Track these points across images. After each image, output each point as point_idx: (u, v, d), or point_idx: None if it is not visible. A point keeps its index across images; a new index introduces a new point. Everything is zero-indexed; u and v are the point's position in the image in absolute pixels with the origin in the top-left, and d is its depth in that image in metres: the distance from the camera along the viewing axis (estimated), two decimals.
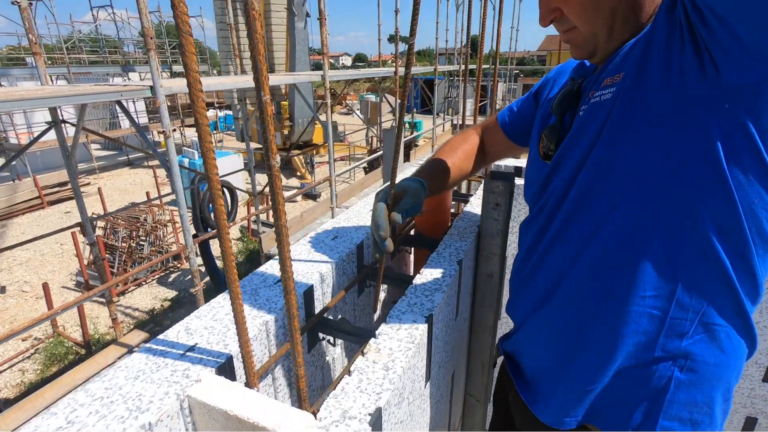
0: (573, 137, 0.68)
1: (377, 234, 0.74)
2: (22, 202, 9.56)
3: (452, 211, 1.39)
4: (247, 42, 0.41)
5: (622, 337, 0.62)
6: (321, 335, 0.83)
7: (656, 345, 0.61)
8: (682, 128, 0.53)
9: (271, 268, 0.88)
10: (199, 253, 6.04)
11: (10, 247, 3.74)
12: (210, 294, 6.27)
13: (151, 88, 2.58)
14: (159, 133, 2.57)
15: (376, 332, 0.68)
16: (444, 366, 0.92)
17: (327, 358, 0.93)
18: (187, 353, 0.63)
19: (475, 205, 1.28)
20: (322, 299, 0.87)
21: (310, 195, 10.06)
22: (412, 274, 1.34)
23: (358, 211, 1.21)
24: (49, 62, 15.30)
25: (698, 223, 0.55)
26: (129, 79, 13.24)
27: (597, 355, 0.65)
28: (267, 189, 7.93)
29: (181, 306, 6.19)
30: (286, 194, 9.99)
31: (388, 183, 0.76)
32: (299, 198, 9.82)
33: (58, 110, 2.88)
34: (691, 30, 0.50)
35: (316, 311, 0.84)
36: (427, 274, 0.87)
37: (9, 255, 7.34)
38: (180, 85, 2.96)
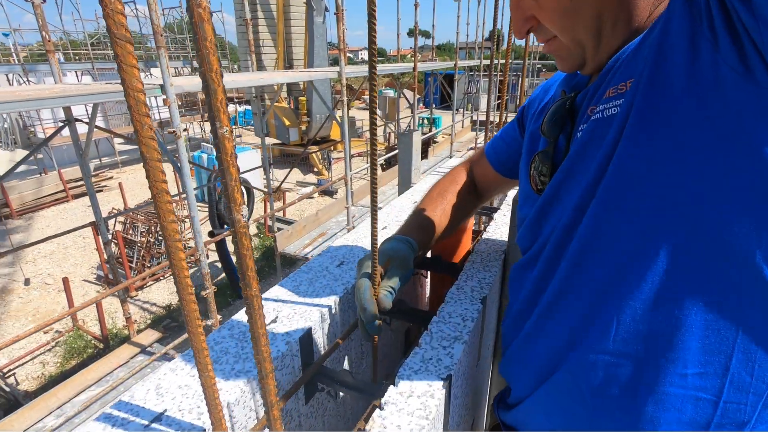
0: (572, 164, 0.54)
1: (364, 316, 0.63)
2: (47, 195, 9.83)
3: (474, 226, 1.26)
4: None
5: (659, 427, 0.48)
6: (320, 386, 0.72)
7: None
8: (725, 143, 0.40)
9: (266, 306, 0.76)
10: (214, 251, 6.05)
11: (31, 243, 3.79)
12: (225, 290, 6.29)
13: (161, 86, 2.52)
14: (169, 132, 2.51)
15: (382, 401, 0.56)
16: (463, 422, 0.79)
17: (329, 404, 0.82)
18: (153, 424, 0.52)
19: (500, 224, 1.14)
20: (323, 340, 0.75)
21: (327, 192, 10.02)
22: (428, 297, 1.22)
23: (369, 230, 1.08)
24: (77, 58, 15.68)
25: (756, 271, 0.41)
26: (151, 74, 13.44)
27: None
28: (283, 185, 7.91)
29: (198, 301, 6.20)
30: (303, 190, 9.97)
31: (369, 253, 0.65)
32: (316, 195, 9.79)
33: (82, 107, 2.86)
34: (726, 19, 0.37)
35: (319, 354, 0.73)
36: (446, 316, 0.74)
37: (34, 247, 7.53)
38: (191, 83, 2.90)
